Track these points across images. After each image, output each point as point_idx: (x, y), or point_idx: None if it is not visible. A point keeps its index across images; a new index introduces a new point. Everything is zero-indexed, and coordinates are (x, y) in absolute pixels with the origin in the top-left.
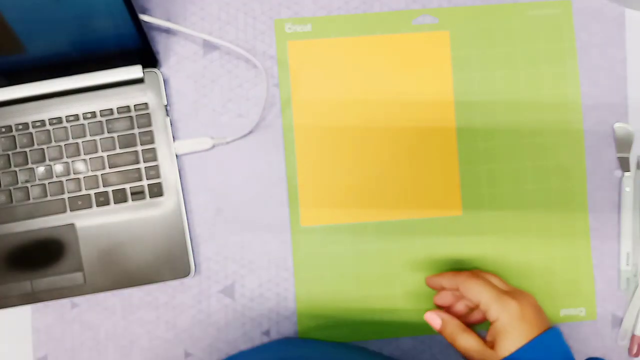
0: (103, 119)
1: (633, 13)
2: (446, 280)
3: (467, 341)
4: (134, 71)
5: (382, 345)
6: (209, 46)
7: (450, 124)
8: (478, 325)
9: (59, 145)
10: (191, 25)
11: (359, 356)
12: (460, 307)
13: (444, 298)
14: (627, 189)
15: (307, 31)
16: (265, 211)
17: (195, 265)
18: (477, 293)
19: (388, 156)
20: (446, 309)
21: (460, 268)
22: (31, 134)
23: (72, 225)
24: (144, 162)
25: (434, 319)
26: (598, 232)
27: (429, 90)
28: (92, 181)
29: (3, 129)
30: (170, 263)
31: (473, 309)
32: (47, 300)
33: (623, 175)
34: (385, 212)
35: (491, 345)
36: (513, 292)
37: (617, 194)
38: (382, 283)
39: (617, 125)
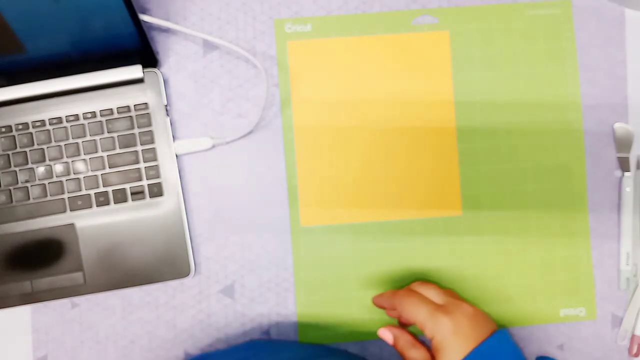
0: (103, 119)
1: (633, 13)
2: (385, 300)
3: (414, 356)
4: (134, 71)
5: (382, 345)
6: (209, 46)
7: (450, 124)
8: None
9: (59, 145)
10: (191, 25)
11: None
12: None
13: (395, 312)
14: (627, 189)
15: (307, 31)
16: (265, 211)
17: (195, 265)
18: (412, 313)
19: (388, 156)
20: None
21: (460, 269)
22: (31, 134)
23: (72, 225)
24: (144, 162)
25: (386, 334)
26: (598, 232)
27: (429, 90)
28: (92, 181)
29: (3, 129)
30: (170, 263)
31: None
32: (47, 300)
33: (623, 175)
34: (385, 212)
35: None
36: (447, 307)
37: (617, 194)
38: (382, 283)
39: (617, 125)
